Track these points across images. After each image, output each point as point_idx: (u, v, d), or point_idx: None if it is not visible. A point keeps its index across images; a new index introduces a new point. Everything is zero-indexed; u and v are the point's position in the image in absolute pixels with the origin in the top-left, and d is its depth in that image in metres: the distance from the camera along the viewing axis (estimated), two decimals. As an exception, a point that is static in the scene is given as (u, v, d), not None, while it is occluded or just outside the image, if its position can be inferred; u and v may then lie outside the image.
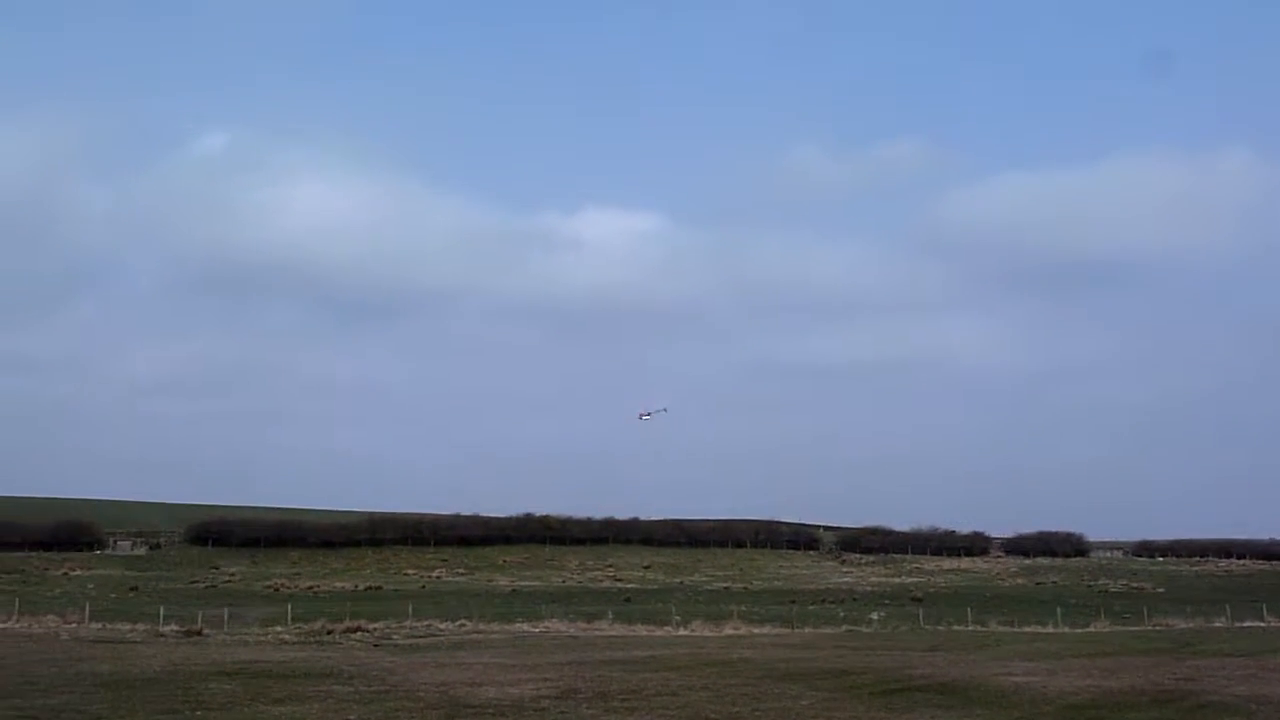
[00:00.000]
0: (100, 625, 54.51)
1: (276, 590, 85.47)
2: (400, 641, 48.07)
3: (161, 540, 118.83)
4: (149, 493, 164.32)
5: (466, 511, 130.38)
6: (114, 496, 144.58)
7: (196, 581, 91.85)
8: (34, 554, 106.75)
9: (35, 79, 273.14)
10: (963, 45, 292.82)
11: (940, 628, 61.94)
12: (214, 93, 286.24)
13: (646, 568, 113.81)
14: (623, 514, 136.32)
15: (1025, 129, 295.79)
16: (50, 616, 58.06)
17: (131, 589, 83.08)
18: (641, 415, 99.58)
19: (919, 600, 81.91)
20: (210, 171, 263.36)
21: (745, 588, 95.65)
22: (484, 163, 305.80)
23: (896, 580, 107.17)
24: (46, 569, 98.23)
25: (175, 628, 52.86)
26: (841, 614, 69.53)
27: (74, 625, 54.60)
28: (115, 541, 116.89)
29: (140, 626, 53.45)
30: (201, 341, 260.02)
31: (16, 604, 60.49)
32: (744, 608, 70.42)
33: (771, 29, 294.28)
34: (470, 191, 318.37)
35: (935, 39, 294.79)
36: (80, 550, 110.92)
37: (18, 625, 54.54)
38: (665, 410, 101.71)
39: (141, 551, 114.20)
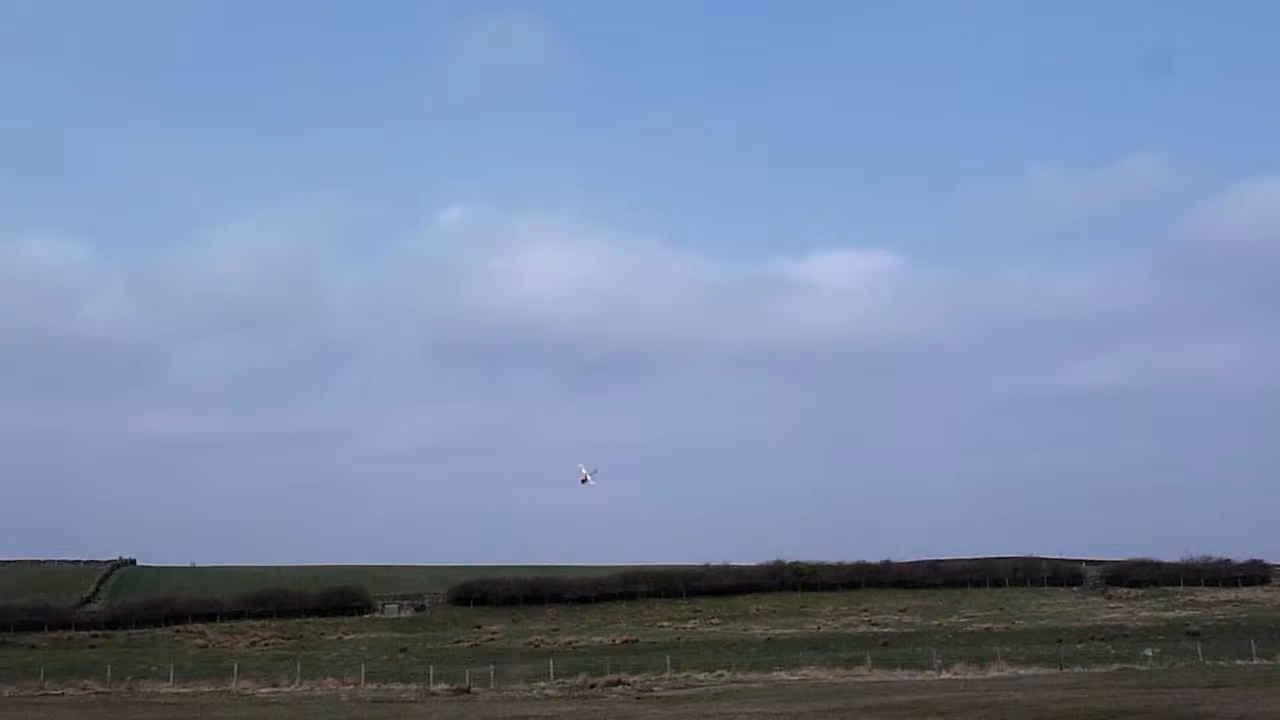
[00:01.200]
0: (375, 686, 56.88)
1: (537, 646, 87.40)
2: (662, 694, 48.31)
3: (426, 602, 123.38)
4: (412, 556, 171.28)
5: (716, 561, 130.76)
6: (380, 561, 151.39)
7: (461, 641, 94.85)
8: (310, 619, 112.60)
9: (286, 174, 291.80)
10: (1194, 53, 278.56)
11: (1222, 663, 58.10)
12: (451, 169, 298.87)
13: (902, 611, 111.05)
14: (874, 557, 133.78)
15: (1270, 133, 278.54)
16: (329, 679, 60.97)
17: (401, 650, 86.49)
18: (583, 479, 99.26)
19: (1196, 635, 76.86)
20: (451, 244, 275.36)
21: (1007, 627, 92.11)
22: (714, 214, 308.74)
23: (1170, 614, 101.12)
24: (322, 633, 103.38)
25: (445, 687, 54.64)
26: (1112, 652, 65.96)
27: (351, 687, 57.18)
28: (383, 605, 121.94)
29: (413, 686, 55.49)
30: (453, 407, 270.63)
31: (298, 668, 63.88)
32: (1007, 648, 67.72)
33: (996, 48, 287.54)
34: (702, 243, 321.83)
35: (1165, 45, 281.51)
36: (351, 615, 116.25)
37: (300, 689, 57.48)
38: (595, 471, 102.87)
39: (408, 613, 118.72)
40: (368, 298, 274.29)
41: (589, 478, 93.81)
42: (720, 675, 57.06)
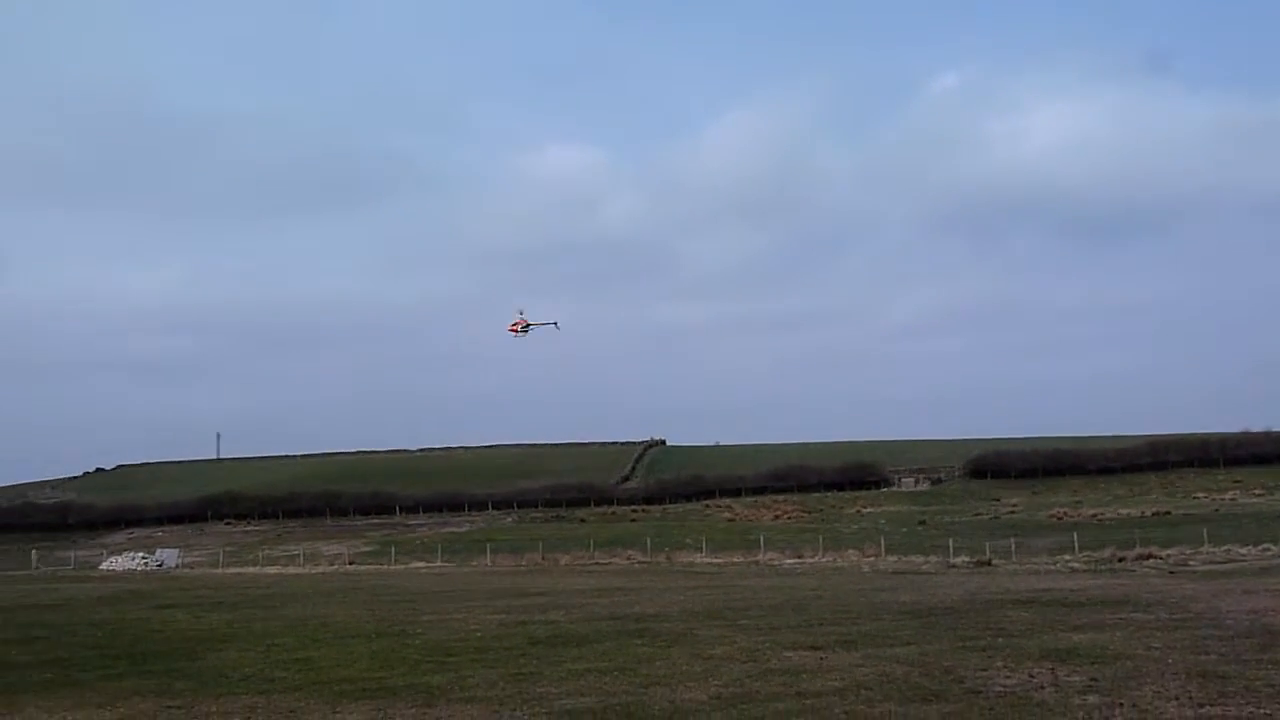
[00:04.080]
0: (895, 558, 57.82)
1: (1059, 519, 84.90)
2: (1198, 568, 45.49)
3: (942, 475, 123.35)
4: (927, 430, 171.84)
5: (1258, 427, 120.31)
6: (895, 436, 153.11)
7: (979, 514, 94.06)
8: (829, 493, 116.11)
9: (772, 63, 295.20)
10: None
11: None
12: (940, 34, 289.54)
13: None
14: None
15: None
16: (850, 551, 62.75)
17: (919, 523, 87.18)
18: (514, 327, 67.03)
19: None
20: (946, 112, 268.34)
21: None
22: (1234, 47, 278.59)
23: None
24: (841, 507, 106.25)
25: (965, 559, 54.57)
26: None
27: (872, 559, 58.51)
28: (899, 479, 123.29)
29: (932, 559, 55.86)
30: (958, 279, 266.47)
31: (820, 540, 66.20)
32: None
33: None
34: (1224, 82, 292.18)
35: None
36: (868, 489, 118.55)
37: (824, 560, 59.61)
38: (554, 325, 66.18)
39: (924, 487, 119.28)
40: (864, 175, 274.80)
41: (527, 325, 66.42)
42: (1266, 549, 52.78)
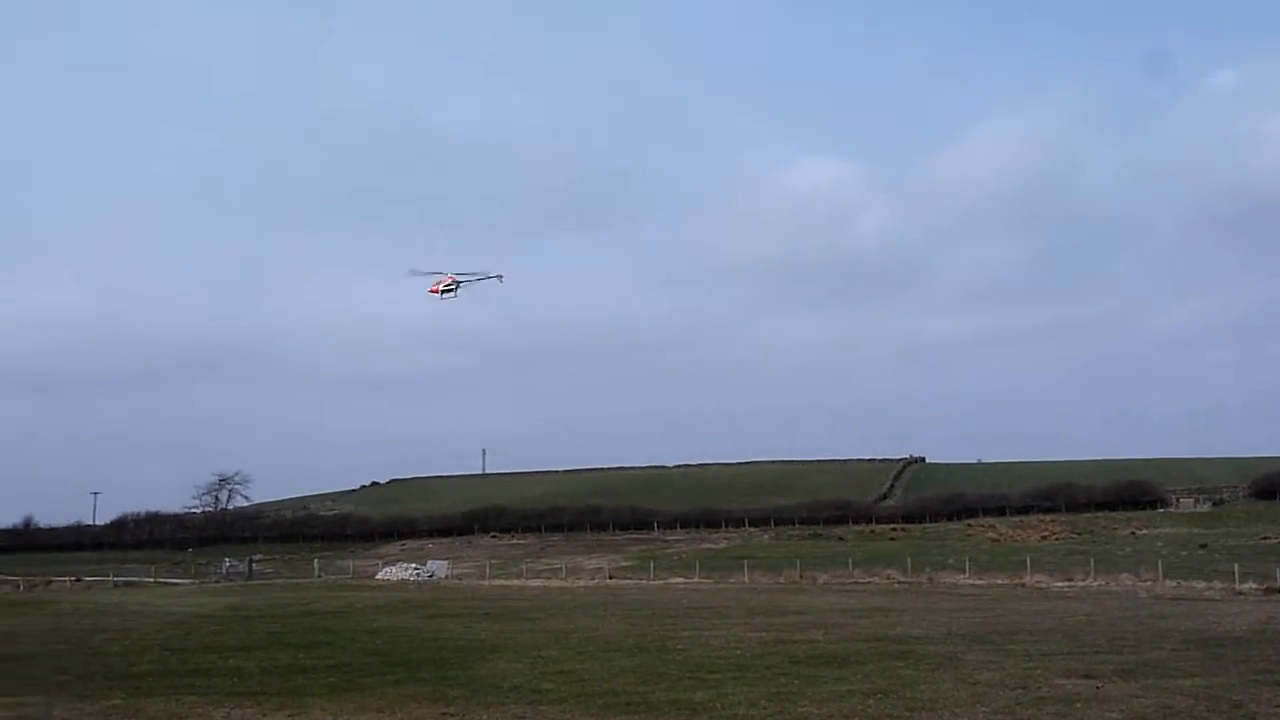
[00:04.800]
0: (1174, 584, 54.61)
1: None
2: None
3: (1224, 495, 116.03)
4: (1202, 447, 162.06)
5: None
6: (1167, 453, 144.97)
7: (1267, 538, 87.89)
8: (1099, 513, 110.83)
9: (1029, 66, 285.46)
10: None
11: None
12: (1220, 33, 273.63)
13: None
14: None
15: None
16: (1124, 575, 59.61)
17: (1200, 546, 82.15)
18: (434, 288, 58.27)
19: None
20: (1222, 111, 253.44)
21: None
22: None
23: None
24: (1112, 528, 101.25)
25: (1253, 585, 51.04)
26: None
27: (1149, 583, 55.43)
28: (1177, 499, 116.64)
29: (1216, 585, 52.51)
30: (1234, 284, 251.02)
31: (1091, 562, 63.28)
32: None
33: None
34: None
35: None
36: (1141, 509, 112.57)
37: (1096, 583, 56.91)
38: (499, 279, 56.39)
39: (1205, 508, 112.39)
40: (1132, 177, 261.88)
41: (455, 283, 58.62)
42: None
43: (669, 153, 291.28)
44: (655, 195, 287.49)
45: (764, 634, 28.10)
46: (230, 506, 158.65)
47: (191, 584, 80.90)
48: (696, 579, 70.10)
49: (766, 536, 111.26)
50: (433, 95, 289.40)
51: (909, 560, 70.24)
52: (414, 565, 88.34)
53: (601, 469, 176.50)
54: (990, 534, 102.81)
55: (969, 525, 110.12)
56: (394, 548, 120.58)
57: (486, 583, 74.63)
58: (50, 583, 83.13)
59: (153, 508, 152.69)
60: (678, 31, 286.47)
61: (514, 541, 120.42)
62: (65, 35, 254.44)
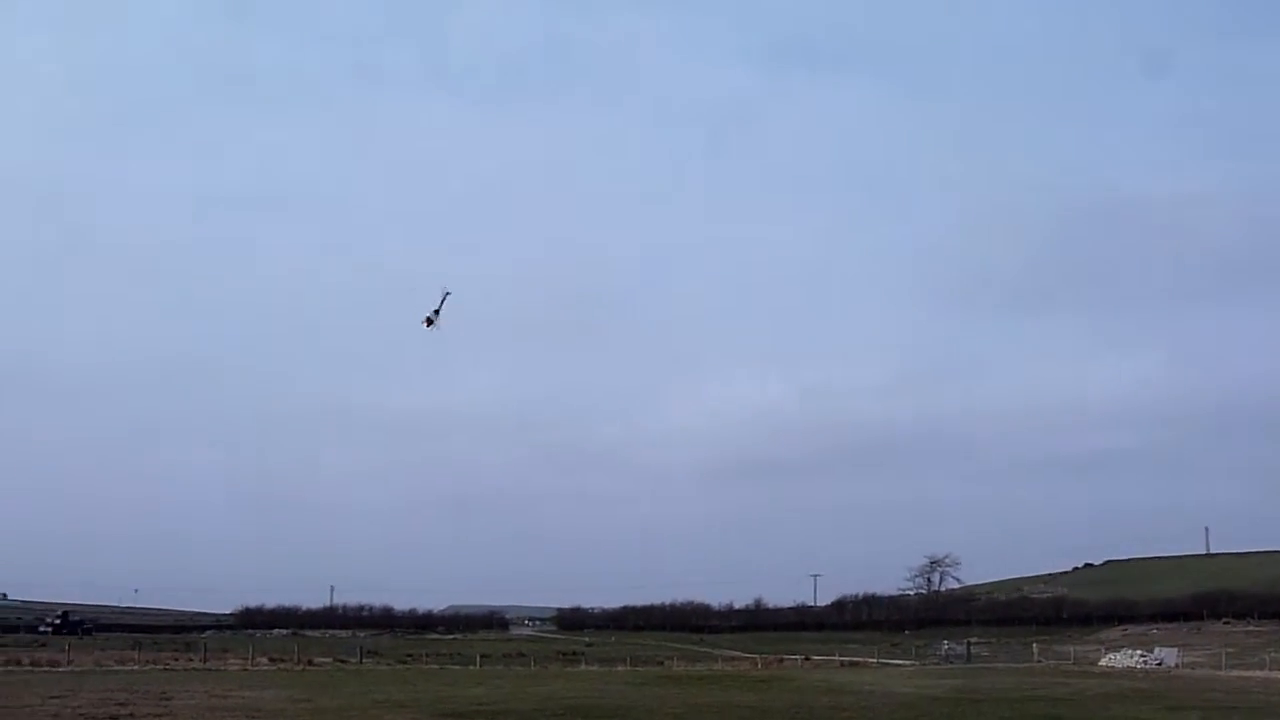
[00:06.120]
0: None
1: None
2: None
3: None
4: None
5: None
6: None
7: None
8: None
9: None
10: None
11: None
12: None
13: None
14: None
15: None
16: None
17: None
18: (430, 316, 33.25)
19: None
20: None
21: None
22: None
23: None
24: None
25: None
26: None
27: None
28: None
29: None
30: None
31: None
32: None
33: None
34: None
35: None
36: None
37: None
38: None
39: None
40: None
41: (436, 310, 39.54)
42: None
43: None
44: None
45: None
46: (942, 588, 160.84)
47: (913, 665, 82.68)
48: None
49: None
50: (1134, 162, 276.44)
51: None
52: (1140, 651, 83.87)
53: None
54: None
55: None
56: (1115, 632, 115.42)
57: (1223, 673, 68.88)
58: (782, 660, 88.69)
59: (867, 589, 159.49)
60: None
61: (1251, 628, 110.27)
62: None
